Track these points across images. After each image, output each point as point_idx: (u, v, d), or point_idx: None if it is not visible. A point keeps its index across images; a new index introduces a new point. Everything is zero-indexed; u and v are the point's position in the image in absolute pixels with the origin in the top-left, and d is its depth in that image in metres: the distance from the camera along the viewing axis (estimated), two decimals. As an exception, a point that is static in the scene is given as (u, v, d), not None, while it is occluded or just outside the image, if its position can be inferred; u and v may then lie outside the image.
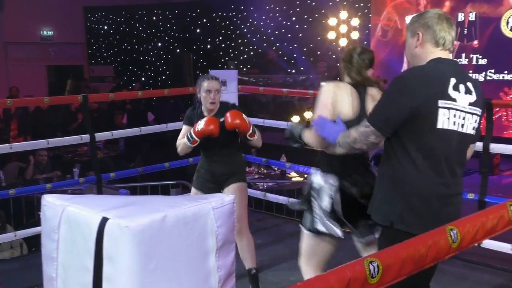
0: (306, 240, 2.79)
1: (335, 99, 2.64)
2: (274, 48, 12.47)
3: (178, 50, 13.96)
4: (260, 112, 10.29)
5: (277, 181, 8.10)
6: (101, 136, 4.97)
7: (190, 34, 13.89)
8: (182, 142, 3.60)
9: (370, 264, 1.00)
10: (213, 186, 3.68)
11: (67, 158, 9.05)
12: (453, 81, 2.11)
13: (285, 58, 12.23)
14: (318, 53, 11.84)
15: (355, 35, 11.20)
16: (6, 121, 10.66)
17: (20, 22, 13.16)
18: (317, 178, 2.68)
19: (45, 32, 14.16)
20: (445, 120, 2.08)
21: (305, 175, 8.20)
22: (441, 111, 2.06)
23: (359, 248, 2.83)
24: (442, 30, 2.17)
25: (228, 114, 3.45)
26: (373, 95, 2.70)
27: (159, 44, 14.38)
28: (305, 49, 12.04)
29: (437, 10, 2.27)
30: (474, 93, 2.16)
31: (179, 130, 6.56)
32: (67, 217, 1.02)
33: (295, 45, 12.12)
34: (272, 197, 5.39)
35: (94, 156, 4.95)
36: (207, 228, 1.03)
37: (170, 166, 5.32)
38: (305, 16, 12.07)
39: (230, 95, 5.38)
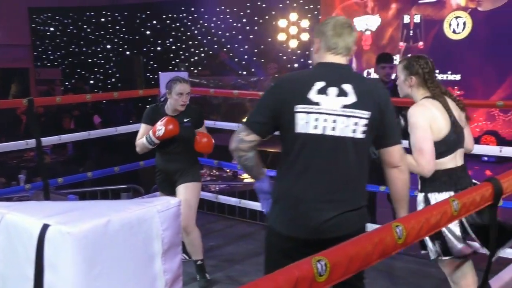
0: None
1: (430, 119, 2.64)
2: (225, 49, 12.47)
3: (128, 52, 13.77)
4: (212, 114, 10.26)
5: (229, 182, 8.09)
6: (47, 140, 4.84)
7: (140, 36, 13.71)
8: (141, 142, 3.72)
9: (317, 263, 1.01)
10: (169, 185, 3.84)
11: (12, 164, 8.77)
12: (319, 84, 2.11)
13: (236, 59, 12.25)
14: (269, 54, 11.91)
15: (305, 36, 11.34)
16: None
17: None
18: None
19: (-13, 34, 13.68)
20: (303, 124, 2.09)
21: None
22: (298, 115, 2.08)
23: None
24: (336, 36, 2.19)
25: (199, 138, 3.80)
26: (450, 102, 2.76)
27: (108, 46, 14.13)
28: (255, 50, 12.09)
29: (338, 17, 2.30)
30: (353, 96, 2.11)
31: (129, 133, 6.45)
32: (6, 225, 0.98)
33: (246, 47, 12.15)
34: (224, 199, 5.38)
35: (40, 161, 4.82)
36: (152, 232, 1.02)
37: (120, 170, 5.23)
38: (256, 18, 12.13)
39: (181, 97, 5.33)
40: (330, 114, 2.09)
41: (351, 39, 2.23)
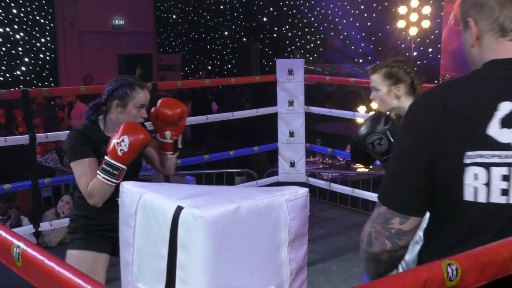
0: None
1: None
2: (341, 37, 12.31)
3: (244, 39, 14.03)
4: (326, 102, 10.21)
5: (342, 171, 8.03)
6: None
7: (257, 23, 13.92)
8: (97, 184, 2.42)
9: (448, 267, 0.98)
10: (109, 243, 2.64)
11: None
12: (506, 107, 1.16)
13: (353, 47, 12.05)
14: (387, 42, 11.60)
15: (426, 23, 10.88)
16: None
17: (93, 12, 13.60)
18: None
19: (116, 21, 14.57)
20: (481, 187, 1.17)
21: (371, 166, 8.09)
22: (470, 170, 1.17)
23: None
24: (508, 4, 1.20)
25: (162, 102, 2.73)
26: None
27: (226, 33, 14.49)
28: (373, 38, 11.81)
29: None
30: None
31: (244, 119, 6.46)
32: (144, 204, 1.05)
33: (363, 34, 11.91)
34: (336, 187, 5.35)
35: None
36: (280, 220, 1.03)
37: (235, 154, 5.38)
38: (374, 5, 11.84)
39: (297, 84, 5.37)
40: None
41: None
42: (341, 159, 8.28)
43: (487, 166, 1.14)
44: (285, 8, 13.41)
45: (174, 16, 15.10)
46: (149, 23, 15.00)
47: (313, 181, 5.56)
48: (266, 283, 1.03)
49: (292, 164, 5.43)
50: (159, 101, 2.73)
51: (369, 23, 11.96)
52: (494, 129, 1.14)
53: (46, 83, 13.02)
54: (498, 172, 1.14)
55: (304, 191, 1.03)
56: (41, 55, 13.45)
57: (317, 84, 9.95)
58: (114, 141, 2.37)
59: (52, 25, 13.57)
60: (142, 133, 2.43)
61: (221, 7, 14.48)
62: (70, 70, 13.55)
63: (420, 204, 1.23)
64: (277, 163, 5.57)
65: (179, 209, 0.97)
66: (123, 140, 2.36)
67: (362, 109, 10.63)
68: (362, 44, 11.90)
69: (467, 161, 1.15)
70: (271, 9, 13.71)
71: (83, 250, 2.55)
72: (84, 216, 2.59)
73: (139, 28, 14.75)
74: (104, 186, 2.38)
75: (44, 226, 4.38)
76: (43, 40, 13.46)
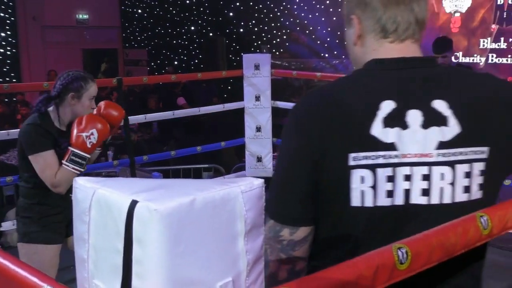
0: None
1: None
2: (307, 31, 12.36)
3: (211, 34, 13.96)
4: (293, 97, 10.24)
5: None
6: (134, 119, 5.03)
7: (223, 18, 13.86)
8: (66, 174, 2.54)
9: (398, 250, 1.00)
10: (62, 234, 2.82)
11: (102, 140, 9.15)
12: (387, 107, 1.13)
13: (319, 42, 12.12)
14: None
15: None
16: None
17: (57, 6, 13.33)
18: None
19: (80, 16, 14.33)
20: (367, 190, 1.13)
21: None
22: (355, 173, 1.12)
23: None
24: (392, 4, 1.17)
25: (105, 104, 2.83)
26: None
27: (192, 28, 14.39)
28: (339, 32, 11.89)
29: None
30: (454, 120, 1.12)
31: (211, 114, 6.43)
32: (98, 200, 1.02)
33: (329, 29, 11.98)
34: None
35: (128, 138, 5.01)
36: (235, 212, 1.03)
37: (202, 150, 5.36)
38: (340, 0, 11.93)
39: (263, 79, 5.37)
40: (417, 165, 1.12)
41: (423, 4, 1.19)
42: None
43: (372, 168, 1.11)
44: (251, 3, 13.39)
45: (139, 11, 14.92)
46: (114, 17, 14.79)
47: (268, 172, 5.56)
48: (223, 274, 1.03)
49: (259, 159, 5.44)
50: (103, 103, 2.84)
51: (334, 18, 12.04)
52: (378, 129, 1.11)
53: (8, 79, 12.73)
54: (383, 173, 1.11)
55: (259, 182, 1.03)
56: (1, 50, 13.12)
57: (283, 79, 9.98)
58: (82, 134, 2.52)
59: (13, 18, 13.23)
60: (106, 126, 2.62)
61: (187, 1, 14.37)
62: (33, 66, 13.27)
63: (307, 213, 1.18)
64: (244, 158, 5.57)
65: (133, 203, 0.95)
66: (92, 134, 2.53)
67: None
68: (328, 39, 11.97)
69: (352, 163, 1.11)
70: (237, 4, 13.67)
71: (43, 244, 2.69)
72: (38, 203, 2.71)
73: (104, 23, 14.53)
74: (73, 175, 2.49)
75: (6, 225, 4.30)
76: (3, 34, 13.12)
